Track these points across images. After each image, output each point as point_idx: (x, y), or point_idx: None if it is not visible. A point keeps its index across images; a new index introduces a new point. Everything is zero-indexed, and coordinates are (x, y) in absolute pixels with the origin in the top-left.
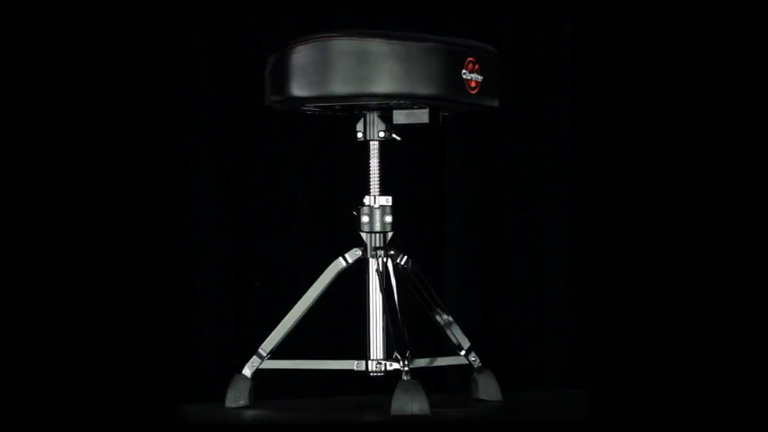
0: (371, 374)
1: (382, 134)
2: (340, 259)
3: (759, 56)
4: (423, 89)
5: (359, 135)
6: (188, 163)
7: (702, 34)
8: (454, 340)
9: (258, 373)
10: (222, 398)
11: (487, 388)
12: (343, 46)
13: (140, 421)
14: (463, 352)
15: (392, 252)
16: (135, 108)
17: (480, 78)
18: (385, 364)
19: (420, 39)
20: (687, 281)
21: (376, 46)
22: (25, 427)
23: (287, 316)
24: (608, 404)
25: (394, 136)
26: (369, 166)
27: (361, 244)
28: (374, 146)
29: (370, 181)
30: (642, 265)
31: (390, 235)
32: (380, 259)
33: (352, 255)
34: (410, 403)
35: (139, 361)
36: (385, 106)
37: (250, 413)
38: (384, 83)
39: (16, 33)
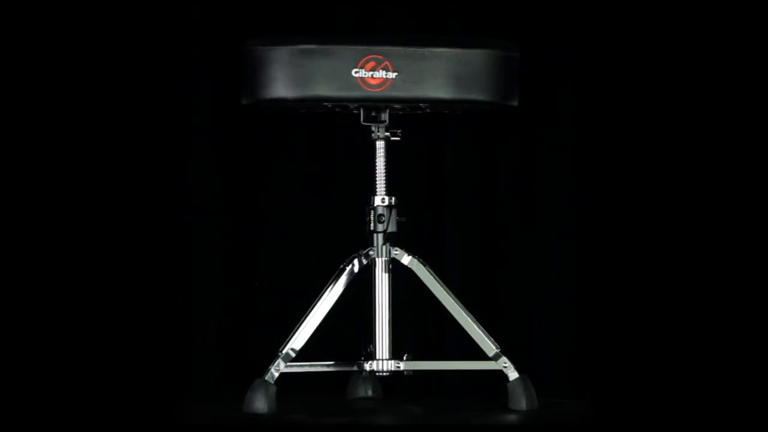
0: (378, 374)
1: (387, 134)
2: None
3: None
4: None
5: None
6: (189, 164)
7: (701, 35)
8: (481, 343)
9: (258, 376)
10: (222, 398)
11: (516, 400)
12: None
13: (140, 420)
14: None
15: (397, 251)
16: (135, 108)
17: (390, 75)
18: (393, 364)
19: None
20: (689, 282)
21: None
22: (25, 425)
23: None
24: (608, 404)
25: (387, 134)
26: (375, 166)
27: (366, 243)
28: (380, 146)
29: (376, 181)
30: (642, 267)
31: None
32: (387, 259)
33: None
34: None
35: (138, 361)
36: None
37: (249, 414)
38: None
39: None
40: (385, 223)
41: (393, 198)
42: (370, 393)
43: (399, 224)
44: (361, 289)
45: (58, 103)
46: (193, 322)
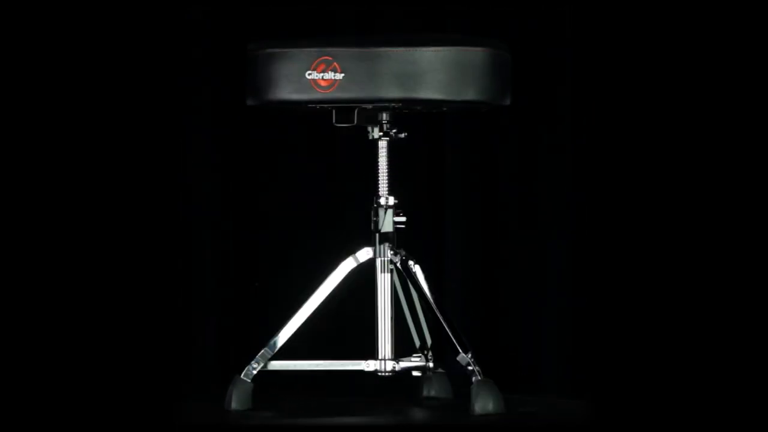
0: (380, 375)
1: (381, 133)
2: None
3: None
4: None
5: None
6: (189, 164)
7: (701, 35)
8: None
9: (260, 374)
10: (222, 398)
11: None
12: None
13: (139, 420)
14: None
15: (402, 252)
16: (136, 108)
17: (338, 76)
18: (394, 365)
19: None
20: (690, 282)
21: None
22: (26, 425)
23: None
24: (608, 404)
25: (381, 134)
26: (378, 166)
27: (370, 244)
28: (383, 146)
29: (378, 181)
30: (642, 267)
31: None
32: (387, 259)
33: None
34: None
35: (138, 361)
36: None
37: (251, 414)
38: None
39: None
40: (385, 224)
41: (393, 198)
42: (433, 393)
43: (400, 224)
44: (362, 288)
45: (59, 103)
46: (193, 322)
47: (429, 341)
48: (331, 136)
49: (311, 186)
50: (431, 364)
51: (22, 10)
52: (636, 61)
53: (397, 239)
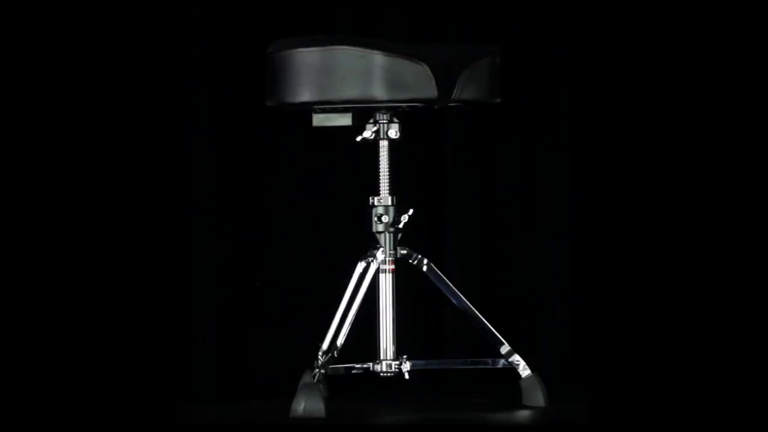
0: (381, 375)
1: (393, 134)
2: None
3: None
4: None
5: (369, 134)
6: (189, 164)
7: (700, 35)
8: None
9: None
10: (222, 398)
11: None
12: None
13: (140, 420)
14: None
15: (405, 252)
16: (136, 108)
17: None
18: (397, 365)
19: None
20: (689, 282)
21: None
22: (26, 426)
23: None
24: (608, 404)
25: (369, 134)
26: (379, 166)
27: (371, 244)
28: (384, 146)
29: (380, 181)
30: (642, 267)
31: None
32: (388, 259)
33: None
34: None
35: (139, 361)
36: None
37: (252, 413)
38: None
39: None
40: (372, 224)
41: (377, 199)
42: (522, 401)
43: (380, 223)
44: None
45: (59, 103)
46: (193, 323)
47: (502, 340)
48: (331, 136)
49: (311, 186)
50: (523, 369)
51: (23, 10)
52: (636, 61)
53: (398, 238)
